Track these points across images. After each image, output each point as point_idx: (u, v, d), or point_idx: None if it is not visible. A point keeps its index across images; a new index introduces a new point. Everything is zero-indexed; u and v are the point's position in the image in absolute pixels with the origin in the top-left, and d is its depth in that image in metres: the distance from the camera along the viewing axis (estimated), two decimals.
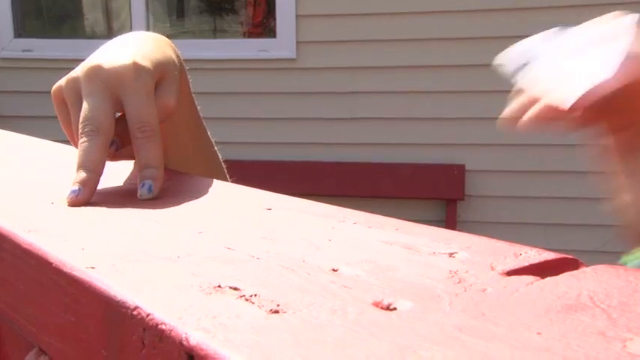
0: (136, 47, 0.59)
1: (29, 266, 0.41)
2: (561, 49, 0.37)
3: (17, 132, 0.88)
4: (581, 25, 0.40)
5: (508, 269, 0.34)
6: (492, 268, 0.34)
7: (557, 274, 0.33)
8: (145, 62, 0.57)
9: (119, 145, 0.57)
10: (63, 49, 3.70)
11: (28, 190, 0.56)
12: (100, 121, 0.54)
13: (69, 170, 0.55)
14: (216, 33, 4.43)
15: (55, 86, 0.59)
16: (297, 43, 3.55)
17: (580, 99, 0.35)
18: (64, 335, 0.37)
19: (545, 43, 0.38)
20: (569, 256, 0.35)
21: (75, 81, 0.57)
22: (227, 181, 0.71)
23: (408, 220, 0.47)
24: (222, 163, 0.76)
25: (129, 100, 0.55)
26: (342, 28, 3.49)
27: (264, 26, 4.05)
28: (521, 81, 0.38)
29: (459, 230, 0.42)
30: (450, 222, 3.45)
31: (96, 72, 0.56)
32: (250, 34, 4.21)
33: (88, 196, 0.52)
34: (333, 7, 3.49)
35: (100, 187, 0.54)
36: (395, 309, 0.29)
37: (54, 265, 0.38)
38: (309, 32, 3.54)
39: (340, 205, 0.49)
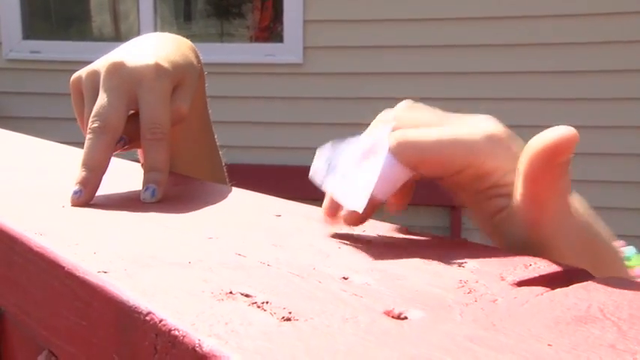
0: (159, 48, 0.59)
1: (41, 269, 0.41)
2: (348, 158, 0.44)
3: (25, 133, 0.88)
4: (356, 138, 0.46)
5: (518, 280, 0.34)
6: (502, 279, 0.34)
7: (566, 285, 0.33)
8: (167, 64, 0.57)
9: (127, 142, 0.57)
10: (71, 51, 3.72)
11: (39, 192, 0.57)
12: (109, 119, 0.54)
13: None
14: (223, 37, 4.44)
15: (74, 76, 0.59)
16: (304, 48, 3.56)
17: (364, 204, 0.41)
18: (75, 339, 0.38)
19: (337, 153, 0.45)
20: (579, 268, 0.36)
21: (95, 74, 0.57)
22: (226, 184, 0.72)
23: (413, 227, 0.47)
24: (224, 168, 0.76)
25: (144, 100, 0.56)
26: (350, 33, 3.50)
27: (271, 31, 4.06)
28: (328, 188, 0.45)
29: (464, 237, 0.42)
30: (454, 228, 3.44)
31: (117, 68, 0.56)
32: (257, 39, 4.22)
33: (90, 196, 0.53)
34: (341, 12, 3.50)
35: (111, 190, 0.54)
36: (406, 318, 0.29)
37: (66, 269, 0.38)
38: (317, 37, 3.54)
39: None
